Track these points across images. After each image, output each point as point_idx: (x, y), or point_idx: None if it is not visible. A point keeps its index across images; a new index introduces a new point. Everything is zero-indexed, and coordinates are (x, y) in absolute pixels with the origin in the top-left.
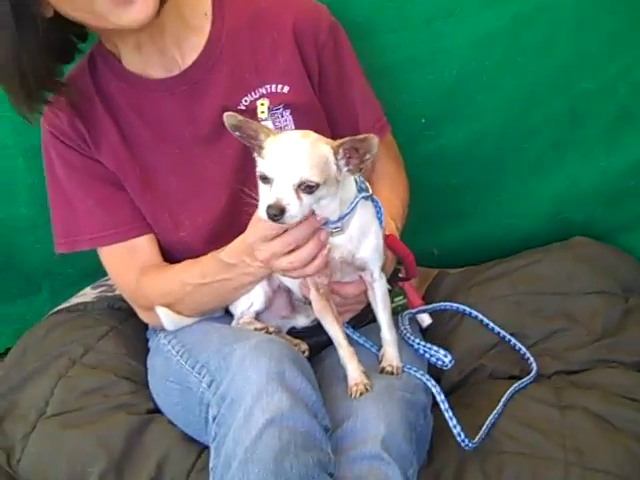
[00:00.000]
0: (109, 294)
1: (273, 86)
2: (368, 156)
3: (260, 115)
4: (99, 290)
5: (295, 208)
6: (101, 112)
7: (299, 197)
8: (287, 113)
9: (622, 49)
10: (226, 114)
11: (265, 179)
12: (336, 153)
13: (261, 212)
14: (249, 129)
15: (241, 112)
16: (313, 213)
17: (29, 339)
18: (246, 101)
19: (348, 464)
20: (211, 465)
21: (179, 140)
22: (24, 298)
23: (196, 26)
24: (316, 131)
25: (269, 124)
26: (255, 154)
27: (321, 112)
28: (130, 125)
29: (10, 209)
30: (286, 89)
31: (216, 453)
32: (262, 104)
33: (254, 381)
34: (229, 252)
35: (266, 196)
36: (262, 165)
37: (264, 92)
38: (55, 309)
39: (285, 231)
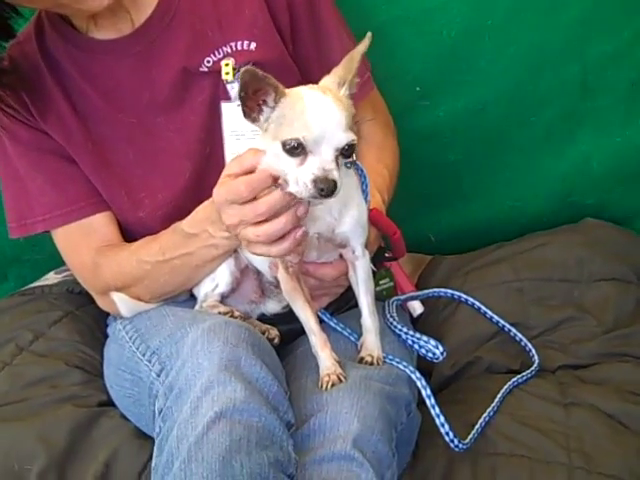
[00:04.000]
0: (72, 278)
1: (239, 43)
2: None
3: (225, 77)
4: (63, 275)
5: (339, 179)
6: (48, 80)
7: (338, 165)
8: None
9: None
10: (243, 69)
11: (296, 149)
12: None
13: (296, 187)
14: (261, 86)
15: (204, 75)
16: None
17: None
18: (209, 62)
19: (314, 465)
20: (153, 464)
21: (136, 108)
22: None
23: None
24: None
25: (236, 87)
26: (250, 120)
27: (294, 69)
28: (81, 94)
29: None
30: (253, 46)
31: (159, 451)
32: (227, 64)
33: (205, 369)
34: (191, 221)
35: (300, 169)
36: (295, 132)
37: (229, 51)
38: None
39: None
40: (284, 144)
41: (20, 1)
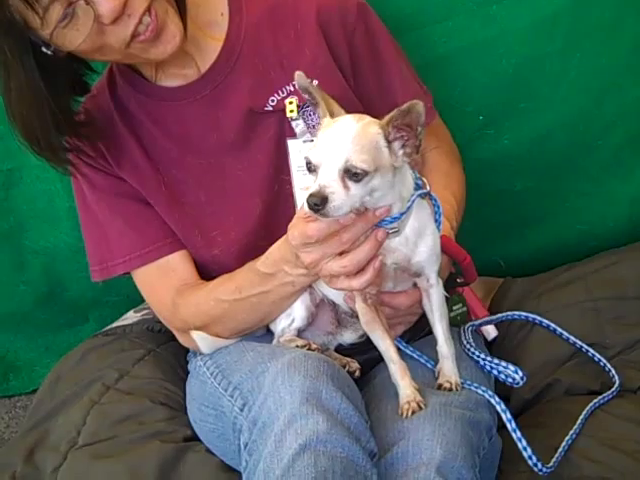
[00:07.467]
0: (150, 316)
1: None
2: (419, 129)
3: (290, 115)
4: (142, 313)
5: (340, 197)
6: (121, 129)
7: (345, 186)
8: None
9: None
10: (297, 73)
11: (310, 167)
12: (387, 134)
13: (303, 203)
14: (314, 98)
15: (268, 114)
16: (366, 209)
17: (63, 366)
18: (273, 101)
19: None
20: None
21: (205, 150)
22: (71, 328)
23: (213, 27)
24: None
25: (300, 123)
26: (309, 133)
27: (357, 104)
28: (152, 140)
29: (52, 237)
30: (315, 83)
31: None
32: (291, 102)
33: (287, 402)
34: (266, 261)
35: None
36: (308, 151)
37: (292, 89)
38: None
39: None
40: (305, 163)
41: (93, 56)
